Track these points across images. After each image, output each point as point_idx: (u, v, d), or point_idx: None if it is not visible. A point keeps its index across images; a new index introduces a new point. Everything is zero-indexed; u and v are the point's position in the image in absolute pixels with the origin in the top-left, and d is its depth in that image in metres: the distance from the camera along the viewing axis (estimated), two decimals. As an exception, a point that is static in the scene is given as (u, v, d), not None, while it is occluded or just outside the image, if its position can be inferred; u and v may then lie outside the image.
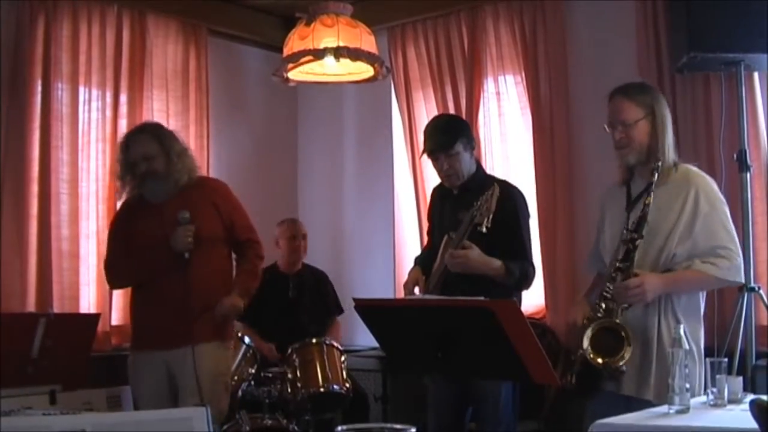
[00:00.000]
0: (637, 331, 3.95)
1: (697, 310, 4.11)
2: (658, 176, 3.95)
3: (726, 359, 3.69)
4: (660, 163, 3.97)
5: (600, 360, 3.91)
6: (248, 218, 5.36)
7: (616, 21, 6.44)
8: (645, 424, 3.31)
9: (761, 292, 5.33)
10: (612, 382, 3.98)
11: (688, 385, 3.46)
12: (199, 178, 5.25)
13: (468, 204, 4.80)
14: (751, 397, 3.26)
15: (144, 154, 5.09)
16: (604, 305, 3.97)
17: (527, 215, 5.12)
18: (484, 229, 4.49)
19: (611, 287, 3.95)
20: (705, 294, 4.18)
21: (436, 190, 5.38)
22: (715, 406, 3.53)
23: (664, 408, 3.47)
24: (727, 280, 4.02)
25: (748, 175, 5.44)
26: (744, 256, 5.32)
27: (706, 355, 3.81)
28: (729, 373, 3.74)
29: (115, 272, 5.37)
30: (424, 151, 5.13)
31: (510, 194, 4.81)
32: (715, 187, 4.12)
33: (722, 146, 5.67)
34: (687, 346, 3.52)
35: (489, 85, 7.09)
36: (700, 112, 5.97)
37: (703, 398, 3.62)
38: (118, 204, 6.60)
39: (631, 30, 6.28)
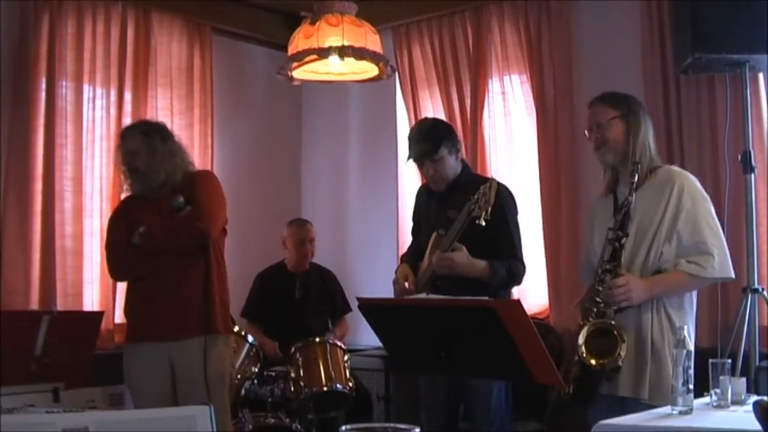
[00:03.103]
0: (631, 331, 3.98)
1: (689, 308, 4.13)
2: (638, 176, 4.00)
3: (729, 360, 3.68)
4: (639, 164, 4.03)
5: (594, 362, 3.92)
6: (211, 195, 5.08)
7: (621, 21, 6.45)
8: (648, 425, 3.31)
9: (765, 293, 5.33)
10: (608, 385, 4.01)
11: (691, 386, 3.46)
12: (190, 174, 5.16)
13: (455, 202, 4.87)
14: (754, 398, 3.26)
15: (128, 149, 5.10)
16: (595, 309, 3.99)
17: (515, 212, 5.17)
18: (483, 222, 4.50)
19: (601, 289, 3.98)
20: (697, 292, 4.19)
21: (422, 190, 5.41)
22: (719, 407, 3.52)
23: (667, 409, 3.48)
24: (714, 278, 4.05)
25: (753, 176, 5.44)
26: (747, 258, 5.38)
27: (709, 356, 3.80)
28: (732, 374, 3.74)
29: (118, 264, 5.24)
30: (408, 158, 5.17)
31: (497, 192, 4.77)
32: (698, 184, 4.16)
33: (727, 147, 5.67)
34: (691, 347, 3.52)
35: (494, 85, 7.10)
36: (705, 113, 5.96)
37: (707, 399, 3.61)
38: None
39: (635, 30, 6.28)
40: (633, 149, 4.12)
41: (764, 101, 5.82)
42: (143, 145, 5.05)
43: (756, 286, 5.32)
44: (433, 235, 5.01)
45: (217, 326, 5.01)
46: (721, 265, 3.98)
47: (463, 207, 4.67)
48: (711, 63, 5.52)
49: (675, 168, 4.21)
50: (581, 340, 3.94)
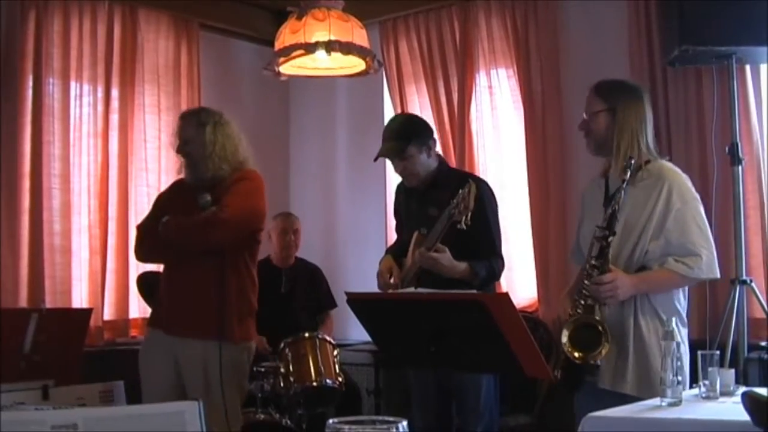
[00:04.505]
0: (614, 325, 3.96)
1: (677, 303, 4.09)
2: (630, 174, 3.94)
3: (718, 351, 3.69)
4: (633, 161, 3.97)
5: (577, 354, 3.91)
6: (239, 203, 4.90)
7: (608, 14, 6.45)
8: (637, 416, 3.32)
9: (753, 285, 5.35)
10: (590, 377, 4.00)
11: (680, 378, 3.46)
12: (237, 171, 5.04)
13: (435, 200, 4.90)
14: (743, 389, 3.27)
15: (183, 135, 5.05)
16: (583, 302, 3.97)
17: (495, 207, 5.17)
18: (464, 227, 4.50)
19: (588, 284, 3.96)
20: (687, 288, 4.18)
21: (401, 187, 5.41)
22: (708, 398, 3.53)
23: (656, 400, 3.48)
24: (699, 278, 4.03)
25: (740, 168, 5.46)
26: (736, 250, 5.40)
27: (698, 348, 3.81)
28: (721, 365, 3.75)
29: (139, 245, 5.23)
30: (378, 156, 5.19)
31: (477, 187, 4.71)
32: (689, 183, 4.10)
33: (714, 139, 5.68)
34: (679, 339, 3.52)
35: (481, 79, 7.10)
36: (692, 105, 5.98)
37: (696, 391, 3.62)
38: (111, 196, 6.65)
39: (623, 23, 6.29)
40: (617, 145, 4.08)
41: (751, 93, 5.84)
42: (195, 134, 4.99)
43: (744, 277, 5.34)
44: (415, 234, 5.02)
45: (234, 336, 4.96)
46: (708, 266, 3.96)
47: (442, 204, 4.68)
48: (698, 55, 5.53)
49: (667, 164, 4.15)
50: (565, 334, 3.93)
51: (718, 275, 4.08)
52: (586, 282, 3.96)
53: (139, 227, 5.30)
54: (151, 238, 5.07)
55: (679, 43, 5.43)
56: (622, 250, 4.01)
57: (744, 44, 5.39)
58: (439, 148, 7.10)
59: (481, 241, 4.96)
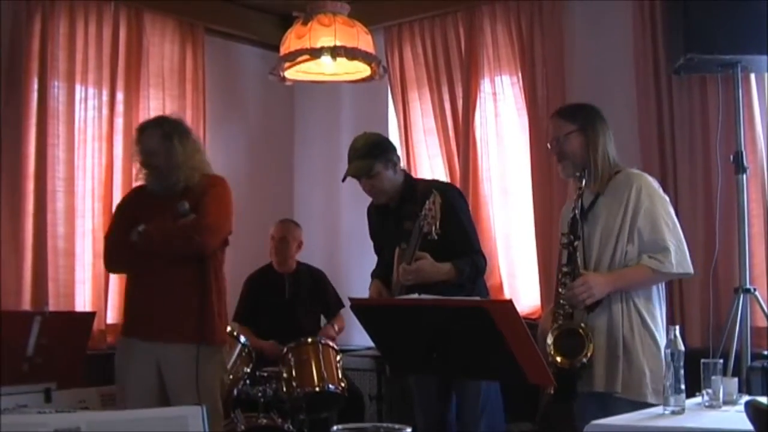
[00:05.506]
0: (603, 329, 4.10)
1: (658, 303, 4.22)
2: (585, 182, 4.17)
3: (721, 360, 3.70)
4: (585, 170, 4.19)
5: (560, 359, 4.02)
6: (218, 209, 5.02)
7: (613, 22, 6.45)
8: (640, 424, 3.32)
9: (757, 293, 5.35)
10: (585, 382, 4.08)
11: (683, 386, 3.47)
12: (205, 177, 5.09)
13: (408, 213, 4.95)
14: (746, 398, 3.27)
15: (147, 147, 5.03)
16: (561, 311, 4.11)
17: (466, 209, 5.29)
18: (435, 236, 4.59)
19: (563, 292, 4.10)
20: (662, 285, 4.30)
21: (371, 209, 5.49)
22: (711, 407, 3.54)
23: (659, 409, 3.49)
24: (671, 273, 4.15)
25: (745, 176, 5.45)
26: (739, 258, 5.41)
27: (701, 356, 3.81)
28: (724, 374, 3.75)
29: (111, 256, 5.21)
30: (345, 177, 5.25)
31: (443, 194, 4.77)
32: (656, 184, 4.29)
33: (719, 148, 5.68)
34: (682, 347, 3.53)
35: (485, 86, 7.08)
36: (697, 114, 5.97)
37: (698, 399, 3.62)
38: (115, 200, 6.64)
39: (628, 31, 6.28)
40: (594, 161, 4.25)
41: (756, 102, 5.83)
42: (161, 146, 4.99)
43: (748, 286, 5.34)
44: (397, 250, 5.05)
45: (215, 337, 4.99)
46: (678, 260, 4.10)
47: (417, 216, 4.74)
48: (703, 64, 5.53)
49: (634, 171, 4.33)
50: (549, 340, 4.05)
51: (691, 271, 4.21)
52: (561, 291, 4.12)
53: (108, 238, 5.26)
54: (125, 249, 5.02)
55: (685, 52, 5.43)
56: (602, 256, 4.18)
57: (749, 53, 5.39)
58: (441, 156, 7.17)
59: (460, 243, 5.06)
